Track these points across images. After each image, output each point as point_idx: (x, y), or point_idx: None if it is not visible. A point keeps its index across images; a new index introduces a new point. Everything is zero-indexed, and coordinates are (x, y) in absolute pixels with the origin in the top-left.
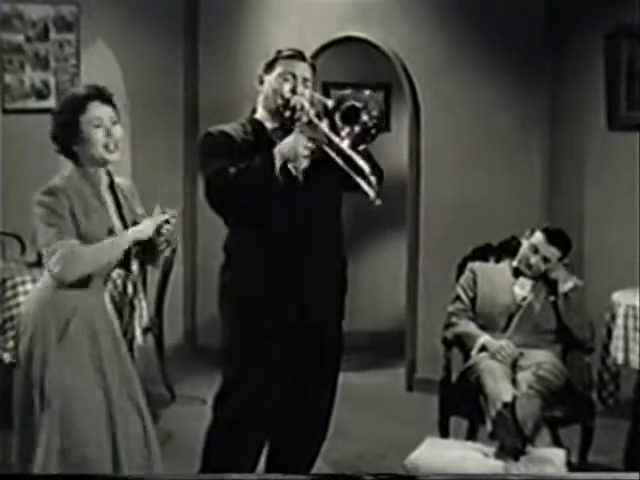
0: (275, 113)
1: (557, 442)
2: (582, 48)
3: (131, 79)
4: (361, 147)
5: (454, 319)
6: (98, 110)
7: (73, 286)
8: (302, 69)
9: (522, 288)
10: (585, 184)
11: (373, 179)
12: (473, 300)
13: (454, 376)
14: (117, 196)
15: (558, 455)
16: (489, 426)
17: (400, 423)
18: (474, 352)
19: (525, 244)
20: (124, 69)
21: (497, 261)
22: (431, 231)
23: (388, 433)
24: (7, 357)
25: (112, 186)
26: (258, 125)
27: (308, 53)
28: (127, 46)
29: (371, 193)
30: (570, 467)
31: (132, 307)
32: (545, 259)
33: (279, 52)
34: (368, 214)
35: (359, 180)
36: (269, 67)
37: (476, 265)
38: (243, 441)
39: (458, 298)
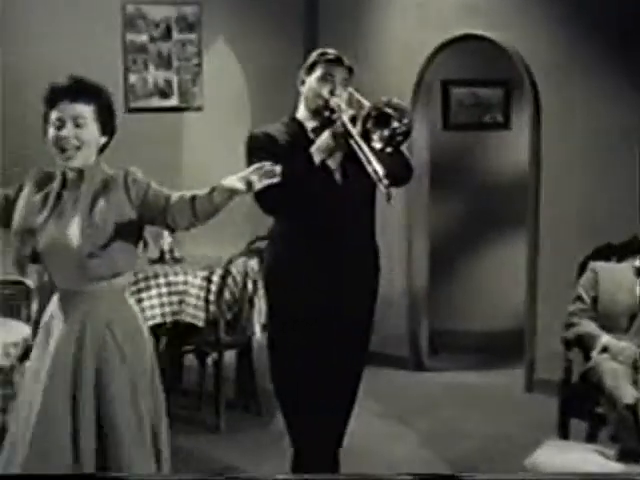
0: (314, 113)
1: None
2: None
3: (252, 78)
4: (388, 149)
5: (575, 319)
6: (66, 109)
7: None
8: (341, 72)
9: None
10: None
11: (385, 181)
12: (594, 300)
13: (574, 377)
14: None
15: None
16: (610, 428)
17: (519, 424)
18: (595, 353)
19: None
20: (245, 68)
21: (619, 261)
22: (551, 230)
23: (507, 434)
24: None
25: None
26: (299, 124)
27: (428, 51)
28: (248, 45)
29: (384, 192)
30: None
31: (251, 304)
32: None
33: (320, 55)
34: (488, 213)
35: (375, 180)
36: (310, 69)
37: (598, 265)
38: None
39: (579, 298)
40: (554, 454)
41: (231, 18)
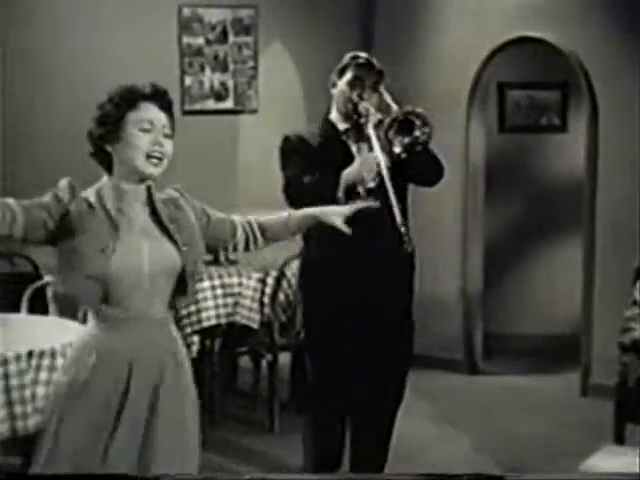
0: (345, 115)
1: None
2: None
3: (307, 81)
4: (404, 155)
5: (632, 324)
6: (151, 113)
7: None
8: (371, 76)
9: None
10: None
11: (405, 237)
12: None
13: (630, 382)
14: (159, 219)
15: None
16: None
17: (574, 428)
18: None
19: None
20: (300, 71)
21: None
22: (608, 233)
23: (561, 438)
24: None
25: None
26: (331, 126)
27: (484, 53)
28: (303, 48)
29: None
30: None
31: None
32: None
33: (352, 58)
34: (544, 216)
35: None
36: (341, 72)
37: None
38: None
39: (636, 303)
40: (609, 459)
41: (287, 21)
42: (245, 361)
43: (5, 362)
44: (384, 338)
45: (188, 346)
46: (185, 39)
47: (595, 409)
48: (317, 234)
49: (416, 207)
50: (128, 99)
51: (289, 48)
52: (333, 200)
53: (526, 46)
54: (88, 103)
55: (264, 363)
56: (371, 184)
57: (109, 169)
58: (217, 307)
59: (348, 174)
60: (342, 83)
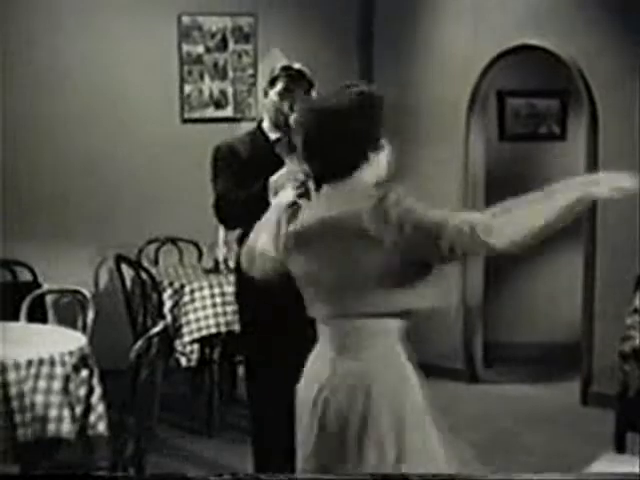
0: (276, 126)
1: None
2: None
3: None
4: None
5: (632, 332)
6: None
7: None
8: (302, 87)
9: None
10: None
11: None
12: None
13: (631, 391)
14: None
15: None
16: None
17: (574, 437)
18: None
19: None
20: None
21: None
22: (608, 241)
23: (561, 447)
24: (184, 361)
25: None
26: (263, 135)
27: (484, 62)
28: (303, 56)
29: None
30: None
31: None
32: None
33: (283, 69)
34: None
35: None
36: (272, 82)
37: None
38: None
39: (636, 311)
40: (610, 468)
41: (286, 29)
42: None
43: (4, 370)
44: None
45: (187, 354)
46: (185, 47)
47: (596, 418)
48: None
49: None
50: (377, 109)
51: (288, 56)
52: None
53: (526, 54)
54: (88, 110)
55: None
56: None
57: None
58: (216, 315)
59: (276, 181)
60: (273, 93)
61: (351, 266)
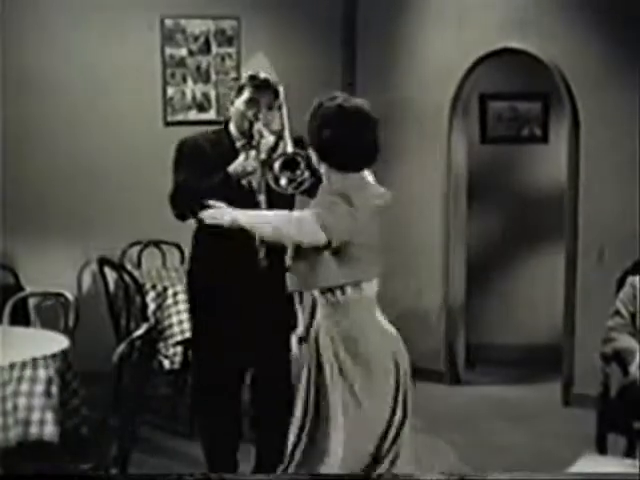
0: (242, 133)
1: None
2: None
3: (289, 93)
4: (290, 190)
5: (614, 334)
6: None
7: None
8: (267, 96)
9: None
10: None
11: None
12: (633, 315)
13: (612, 392)
14: None
15: None
16: None
17: (556, 438)
18: (633, 368)
19: None
20: (283, 82)
21: None
22: (589, 244)
23: (543, 448)
24: (167, 364)
25: None
26: (228, 136)
27: (466, 64)
28: (286, 60)
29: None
30: None
31: None
32: None
33: (249, 78)
34: (526, 226)
35: None
36: (239, 91)
37: (637, 279)
38: None
39: (618, 313)
40: (591, 468)
41: (269, 32)
42: None
43: None
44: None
45: (170, 357)
46: (168, 50)
47: (577, 419)
48: (201, 240)
49: (398, 217)
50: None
51: (271, 59)
52: (229, 195)
53: (508, 57)
54: (70, 113)
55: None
56: (254, 179)
57: None
58: None
59: (234, 168)
60: (239, 102)
61: None
